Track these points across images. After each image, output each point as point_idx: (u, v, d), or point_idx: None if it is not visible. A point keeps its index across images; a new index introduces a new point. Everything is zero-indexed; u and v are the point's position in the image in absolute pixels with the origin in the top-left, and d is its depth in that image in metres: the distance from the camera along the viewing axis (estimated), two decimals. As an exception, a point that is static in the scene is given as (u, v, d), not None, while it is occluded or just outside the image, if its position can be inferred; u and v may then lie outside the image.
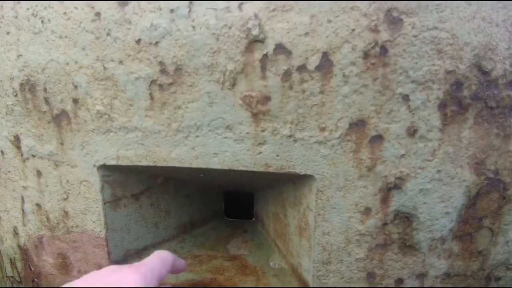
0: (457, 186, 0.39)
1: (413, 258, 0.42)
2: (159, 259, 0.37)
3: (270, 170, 0.39)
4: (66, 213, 0.47)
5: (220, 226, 0.66)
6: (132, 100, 0.39)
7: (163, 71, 0.37)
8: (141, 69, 0.37)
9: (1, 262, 0.62)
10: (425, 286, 0.44)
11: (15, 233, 0.53)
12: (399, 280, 0.44)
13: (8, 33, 0.43)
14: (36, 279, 0.55)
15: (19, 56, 0.42)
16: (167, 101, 0.38)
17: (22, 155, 0.47)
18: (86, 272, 0.50)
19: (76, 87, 0.40)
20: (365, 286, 0.43)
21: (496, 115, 0.37)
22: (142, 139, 0.40)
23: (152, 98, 0.38)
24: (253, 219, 0.68)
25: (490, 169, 0.39)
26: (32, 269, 0.55)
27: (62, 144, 0.44)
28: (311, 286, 0.44)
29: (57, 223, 0.48)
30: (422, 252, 0.42)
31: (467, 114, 0.37)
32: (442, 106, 0.36)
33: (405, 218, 0.40)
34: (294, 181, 0.45)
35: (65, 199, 0.47)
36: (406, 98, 0.36)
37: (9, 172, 0.50)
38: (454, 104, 0.36)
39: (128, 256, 0.51)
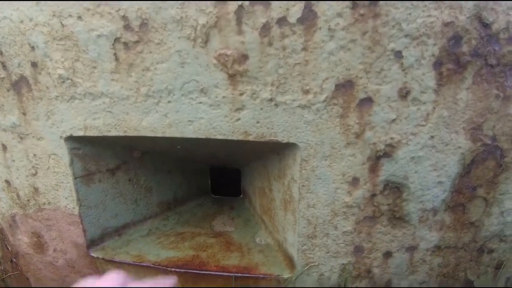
0: (451, 153, 0.36)
1: (403, 230, 0.40)
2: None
3: (250, 138, 0.36)
4: (36, 189, 0.44)
5: (206, 203, 0.63)
6: (96, 62, 0.35)
7: (127, 27, 0.33)
8: (103, 25, 0.33)
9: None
10: (414, 259, 0.42)
11: (-14, 211, 0.50)
12: (388, 254, 0.42)
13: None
14: (14, 259, 0.53)
15: (-31, 15, 0.38)
16: (134, 62, 0.34)
17: (-17, 127, 0.43)
18: (62, 251, 0.47)
19: (33, 48, 0.36)
20: (352, 260, 0.42)
21: (496, 74, 0.33)
22: (110, 106, 0.37)
23: (117, 59, 0.34)
24: (241, 196, 0.66)
25: (488, 134, 0.36)
26: (9, 248, 0.53)
27: (24, 114, 0.40)
28: (296, 260, 0.42)
29: (28, 200, 0.46)
30: (412, 224, 0.40)
31: (465, 73, 0.33)
32: (437, 64, 0.33)
33: (395, 188, 0.38)
34: (278, 151, 0.42)
35: (33, 175, 0.43)
36: (398, 55, 0.32)
37: (-27, 147, 0.46)
38: (451, 62, 0.33)
39: (105, 234, 0.48)
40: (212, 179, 0.66)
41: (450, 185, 0.38)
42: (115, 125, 0.37)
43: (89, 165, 0.43)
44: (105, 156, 0.45)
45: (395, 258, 0.42)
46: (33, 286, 0.53)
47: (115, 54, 0.34)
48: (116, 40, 0.33)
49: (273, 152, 0.43)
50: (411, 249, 0.42)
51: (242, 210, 0.61)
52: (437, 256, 0.42)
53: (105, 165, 0.45)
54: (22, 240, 0.49)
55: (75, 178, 0.42)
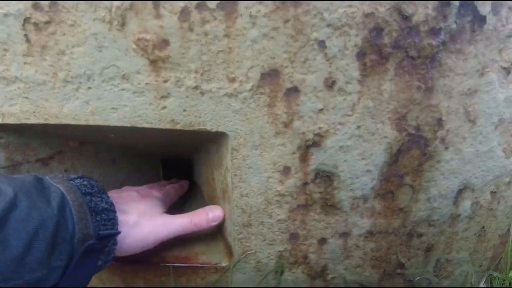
0: (378, 143, 0.38)
1: (336, 217, 0.42)
2: (171, 188, 0.52)
3: (178, 127, 0.35)
4: (-44, 181, 0.41)
5: (156, 193, 0.62)
6: (6, 44, 0.32)
7: (36, 7, 0.30)
8: (9, 3, 0.31)
9: None
10: (348, 244, 0.44)
11: None
12: (323, 240, 0.43)
13: None
14: None
15: None
16: (47, 45, 0.32)
17: None
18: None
19: None
20: (288, 247, 0.43)
21: (417, 66, 0.34)
22: (26, 92, 0.34)
23: (28, 40, 0.32)
24: (193, 186, 0.65)
25: (412, 124, 0.37)
26: None
27: None
28: (234, 249, 0.42)
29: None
30: (344, 211, 0.41)
31: (387, 64, 0.34)
32: (361, 54, 0.33)
33: (326, 177, 0.39)
34: (215, 141, 0.41)
35: (-48, 165, 0.40)
36: (322, 44, 0.32)
37: None
38: (373, 53, 0.33)
39: (40, 226, 0.46)
40: (164, 170, 0.65)
41: (378, 173, 0.39)
42: (34, 112, 0.35)
43: (14, 154, 0.41)
44: (34, 146, 0.43)
45: (330, 244, 0.43)
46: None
47: (25, 35, 0.32)
48: (26, 20, 0.31)
49: (212, 141, 0.43)
50: (345, 235, 0.43)
51: (194, 201, 0.60)
52: (369, 241, 0.44)
53: (34, 155, 0.43)
54: None
55: (-2, 169, 0.40)
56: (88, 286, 0.31)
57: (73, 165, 0.48)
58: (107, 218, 0.32)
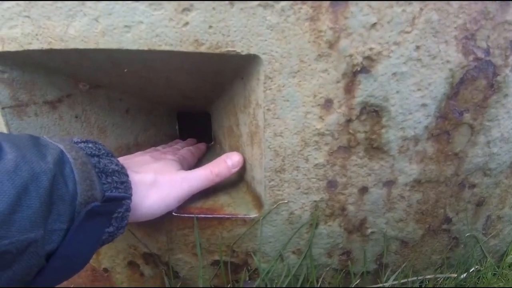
0: (439, 69, 0.31)
1: (381, 162, 0.36)
2: (189, 152, 0.49)
3: (202, 49, 0.30)
4: (-41, 124, 0.38)
5: (173, 150, 0.58)
6: None
7: None
8: None
9: None
10: (392, 195, 0.39)
11: None
12: (364, 189, 0.38)
13: None
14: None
15: None
16: None
17: None
18: None
19: None
20: (325, 197, 0.38)
21: (499, -36, 0.27)
22: (27, 8, 0.29)
23: None
24: (212, 142, 0.61)
25: (481, 46, 0.31)
26: None
27: None
28: (264, 199, 0.38)
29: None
30: (391, 155, 0.36)
31: (461, -39, 0.27)
32: None
33: (374, 112, 0.33)
34: (243, 75, 0.36)
35: (-48, 106, 0.37)
36: None
37: None
38: None
39: (53, 177, 0.43)
40: (181, 125, 0.60)
41: (435, 109, 0.34)
42: (37, 34, 0.30)
43: (19, 93, 0.37)
44: (41, 85, 0.38)
45: (372, 194, 0.39)
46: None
47: None
48: None
49: (238, 77, 0.38)
50: (389, 183, 0.38)
51: (212, 155, 0.56)
52: (416, 192, 0.39)
53: (42, 96, 0.39)
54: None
55: (2, 108, 0.36)
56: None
57: (85, 111, 0.44)
58: (119, 180, 0.28)
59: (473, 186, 0.40)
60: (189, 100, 0.51)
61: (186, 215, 0.39)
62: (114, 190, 0.27)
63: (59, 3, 0.28)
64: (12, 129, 0.37)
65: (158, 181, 0.34)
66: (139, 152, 0.44)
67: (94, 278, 0.44)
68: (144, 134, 0.53)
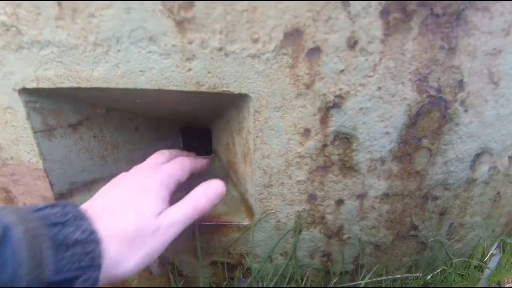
0: (398, 105, 0.38)
1: (353, 179, 0.43)
2: (176, 165, 0.41)
3: (203, 89, 0.36)
4: (-4, 144, 0.44)
5: (177, 162, 0.65)
6: (39, 8, 0.34)
7: (67, -31, 0.31)
8: (41, -34, 0.32)
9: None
10: (364, 206, 0.45)
11: (-49, 168, 0.51)
12: (340, 201, 0.45)
13: None
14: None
15: None
16: (77, 7, 0.33)
17: None
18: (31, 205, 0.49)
19: (-29, -7, 0.34)
20: (306, 208, 0.45)
21: (442, 24, 0.34)
22: (59, 56, 0.36)
23: (59, 4, 0.33)
24: (212, 155, 0.67)
25: (433, 86, 0.38)
26: (-21, 205, 0.54)
27: (-27, 65, 0.39)
28: (255, 209, 0.45)
29: (-10, 155, 0.46)
30: (361, 173, 0.43)
31: (411, 22, 0.34)
32: (384, 12, 0.33)
33: (345, 139, 0.40)
34: (236, 105, 0.43)
35: (-8, 129, 0.43)
36: (345, 2, 0.32)
37: None
38: (397, 11, 0.33)
39: (74, 188, 0.50)
40: (184, 138, 0.67)
41: (397, 136, 0.40)
42: (67, 76, 0.37)
43: (49, 119, 0.43)
44: (66, 111, 0.45)
45: (347, 205, 0.45)
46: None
47: (57, -1, 0.33)
48: (57, -17, 0.32)
49: (233, 106, 0.44)
50: (361, 196, 0.45)
51: (212, 168, 0.63)
52: (385, 203, 0.46)
53: (66, 120, 0.45)
54: (-10, 196, 0.50)
55: (35, 133, 0.42)
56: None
57: (101, 131, 0.50)
58: (83, 252, 0.25)
59: (436, 198, 0.47)
60: (191, 119, 0.57)
61: (188, 222, 0.45)
62: (73, 265, 0.24)
63: (87, 53, 0.35)
64: (42, 150, 0.44)
65: (142, 232, 0.30)
66: (136, 167, 0.42)
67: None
68: (152, 148, 0.60)
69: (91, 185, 0.52)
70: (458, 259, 0.54)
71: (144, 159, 0.60)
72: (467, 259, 0.56)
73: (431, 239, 0.51)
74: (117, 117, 0.52)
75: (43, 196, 0.48)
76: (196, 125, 0.65)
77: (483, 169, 0.46)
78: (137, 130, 0.56)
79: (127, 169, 0.55)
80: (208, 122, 0.61)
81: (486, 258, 0.54)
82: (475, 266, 0.56)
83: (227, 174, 0.57)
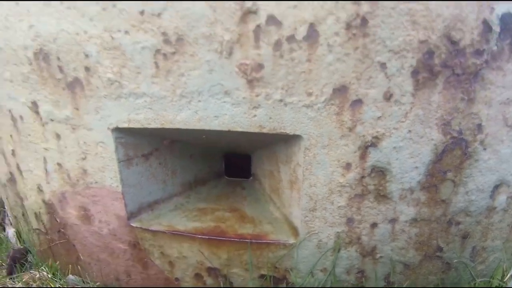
0: (425, 144, 0.45)
1: (386, 205, 0.50)
2: None
3: (264, 131, 0.45)
4: (85, 171, 0.54)
5: (220, 184, 0.73)
6: (140, 68, 0.43)
7: (166, 41, 0.41)
8: (146, 39, 0.41)
9: (26, 217, 0.69)
10: (395, 229, 0.52)
11: (40, 190, 0.60)
12: (374, 224, 0.51)
13: (17, 3, 0.46)
14: (62, 230, 0.63)
15: (30, 26, 0.46)
16: (171, 69, 0.42)
17: (41, 119, 0.52)
18: (106, 222, 0.57)
19: (87, 56, 0.44)
20: (345, 229, 0.51)
21: (462, 81, 0.42)
22: (150, 104, 0.45)
23: (157, 66, 0.42)
24: (251, 178, 0.75)
25: (455, 129, 0.45)
26: (58, 220, 0.63)
27: (77, 109, 0.49)
28: (300, 230, 0.52)
29: (77, 180, 0.55)
30: (394, 201, 0.49)
31: (437, 80, 0.41)
32: (415, 73, 0.41)
33: (380, 171, 0.47)
34: (285, 141, 0.51)
35: (83, 159, 0.53)
36: (383, 66, 0.40)
37: (29, 135, 0.55)
38: (425, 71, 0.41)
39: (141, 208, 0.58)
40: (226, 163, 0.75)
41: (425, 170, 0.47)
42: (154, 119, 0.46)
43: (129, 151, 0.52)
44: (142, 144, 0.54)
45: (380, 228, 0.52)
46: (78, 252, 0.63)
47: (155, 62, 0.42)
48: (157, 51, 0.42)
49: (281, 141, 0.52)
50: (393, 221, 0.51)
51: (252, 190, 0.70)
52: (414, 227, 0.52)
53: (141, 151, 0.54)
54: (71, 213, 0.59)
55: (119, 162, 0.51)
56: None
57: (165, 159, 0.59)
58: None
59: (459, 223, 0.53)
60: (236, 147, 0.66)
61: (242, 239, 0.53)
62: None
63: (174, 102, 0.44)
64: (122, 176, 0.52)
65: None
66: None
67: (166, 285, 0.58)
68: (200, 173, 0.68)
69: (154, 205, 0.60)
70: (481, 279, 0.59)
71: (195, 183, 0.68)
72: (489, 279, 0.60)
73: (455, 260, 0.56)
74: (178, 147, 0.61)
75: (117, 215, 0.56)
76: (237, 152, 0.73)
77: (501, 198, 0.52)
78: (191, 157, 0.65)
79: (181, 192, 0.64)
80: (250, 150, 0.69)
81: (506, 279, 0.59)
82: (496, 287, 0.61)
83: (268, 197, 0.65)
